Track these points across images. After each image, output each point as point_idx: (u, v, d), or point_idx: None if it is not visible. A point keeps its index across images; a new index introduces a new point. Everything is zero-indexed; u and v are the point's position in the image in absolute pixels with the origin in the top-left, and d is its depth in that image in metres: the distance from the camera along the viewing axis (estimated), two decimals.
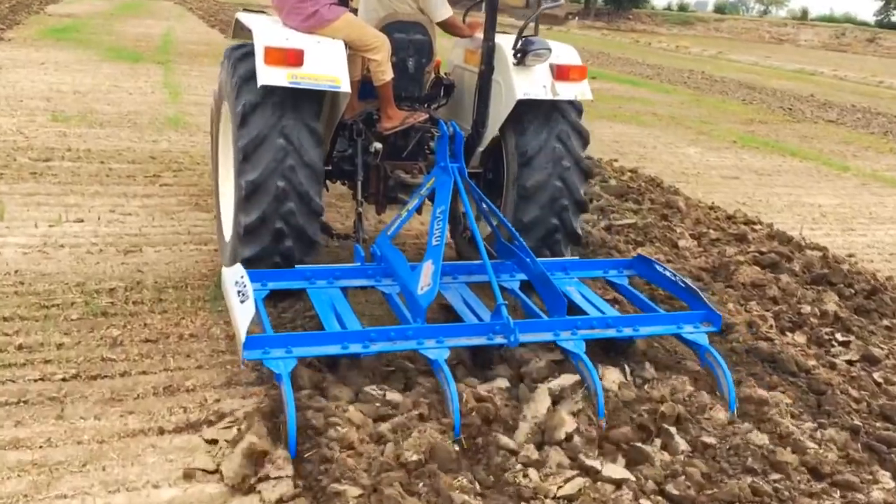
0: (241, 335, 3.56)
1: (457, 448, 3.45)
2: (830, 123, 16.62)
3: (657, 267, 4.82)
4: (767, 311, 5.49)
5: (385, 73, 5.11)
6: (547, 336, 4.06)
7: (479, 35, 5.36)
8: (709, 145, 12.80)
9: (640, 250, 6.52)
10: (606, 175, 9.26)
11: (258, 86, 4.53)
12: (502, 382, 4.00)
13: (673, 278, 4.67)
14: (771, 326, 5.13)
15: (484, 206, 4.81)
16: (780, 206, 9.19)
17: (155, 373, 4.18)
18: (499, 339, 3.95)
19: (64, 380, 4.03)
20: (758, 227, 7.76)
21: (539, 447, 3.50)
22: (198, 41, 21.01)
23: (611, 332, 4.16)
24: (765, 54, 39.07)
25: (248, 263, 4.47)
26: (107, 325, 4.64)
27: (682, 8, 72.33)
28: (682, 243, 6.75)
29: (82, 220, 6.46)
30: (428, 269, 4.18)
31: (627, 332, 4.18)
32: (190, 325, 4.75)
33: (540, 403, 3.71)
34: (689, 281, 4.68)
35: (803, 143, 13.92)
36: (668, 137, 13.22)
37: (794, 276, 6.27)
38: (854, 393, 4.39)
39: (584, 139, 5.27)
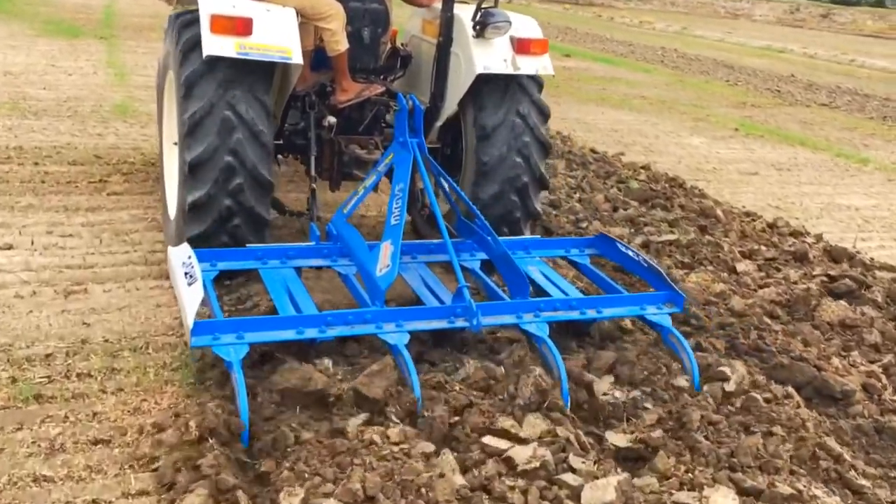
0: (189, 320, 3.38)
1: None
2: (824, 107, 15.78)
3: (619, 245, 4.75)
4: (873, 362, 4.48)
5: (339, 44, 4.93)
6: (510, 319, 3.94)
7: (438, 5, 5.16)
8: (712, 134, 11.80)
9: (694, 277, 5.46)
10: (623, 174, 8.17)
11: (203, 56, 4.27)
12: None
13: (636, 258, 4.59)
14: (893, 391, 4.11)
15: (444, 182, 4.59)
16: (815, 211, 8.21)
17: (110, 501, 2.97)
18: (461, 323, 3.82)
19: None
20: (808, 239, 6.75)
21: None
22: (143, 13, 19.28)
23: (574, 315, 4.09)
24: (726, 30, 38.37)
25: (193, 243, 4.16)
26: (41, 418, 3.41)
27: None
28: (740, 267, 5.70)
29: (11, 247, 5.16)
30: (387, 249, 4.02)
31: (591, 314, 4.12)
32: (154, 411, 3.54)
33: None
34: (651, 260, 4.61)
35: (806, 129, 13.01)
36: (667, 125, 12.20)
37: (879, 308, 5.27)
38: None
39: (545, 114, 5.13)
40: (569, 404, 3.57)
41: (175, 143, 4.74)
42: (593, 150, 9.33)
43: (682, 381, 3.88)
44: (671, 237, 6.18)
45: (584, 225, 6.33)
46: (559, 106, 12.95)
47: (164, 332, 4.28)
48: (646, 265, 4.51)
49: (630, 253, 4.66)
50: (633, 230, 6.46)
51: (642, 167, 8.74)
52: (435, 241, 4.64)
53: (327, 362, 3.65)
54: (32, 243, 5.26)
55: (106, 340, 4.12)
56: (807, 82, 19.63)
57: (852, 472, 3.33)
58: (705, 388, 3.87)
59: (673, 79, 18.28)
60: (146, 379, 3.77)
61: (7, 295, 4.51)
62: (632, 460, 3.36)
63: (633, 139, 10.86)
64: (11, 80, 10.37)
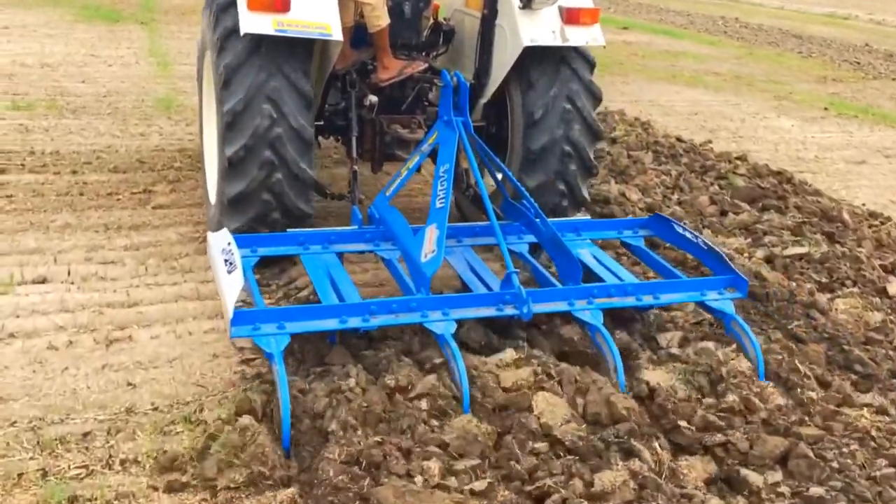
0: (229, 310, 3.28)
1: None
2: None
3: (675, 227, 4.49)
4: None
5: (380, 19, 4.77)
6: (562, 306, 3.79)
7: None
8: (800, 115, 10.80)
9: (842, 304, 4.60)
10: (721, 169, 7.26)
11: (241, 34, 4.13)
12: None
13: (694, 239, 4.35)
14: None
15: (490, 162, 4.43)
16: None
17: None
18: (510, 311, 3.69)
19: None
20: None
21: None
22: None
23: (629, 301, 3.92)
24: None
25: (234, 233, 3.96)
26: None
27: None
28: (891, 289, 4.83)
29: (45, 280, 4.48)
30: (432, 234, 3.87)
31: (647, 300, 3.94)
32: None
33: None
34: (711, 242, 4.35)
35: None
36: (749, 105, 11.21)
37: None
38: None
39: (596, 98, 4.91)
40: (624, 389, 3.50)
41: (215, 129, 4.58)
42: (679, 139, 8.42)
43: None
44: (800, 250, 5.31)
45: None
46: (628, 85, 12.04)
47: (223, 389, 3.55)
48: (705, 247, 4.26)
49: (688, 234, 4.40)
50: (751, 240, 5.60)
51: (738, 158, 7.82)
52: (481, 223, 4.48)
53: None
54: (69, 274, 4.57)
55: (155, 408, 3.40)
56: (884, 52, 18.36)
57: None
58: None
59: (742, 51, 17.18)
60: (203, 464, 3.04)
61: (39, 346, 3.81)
62: None
63: (718, 123, 9.92)
64: (49, 73, 9.73)
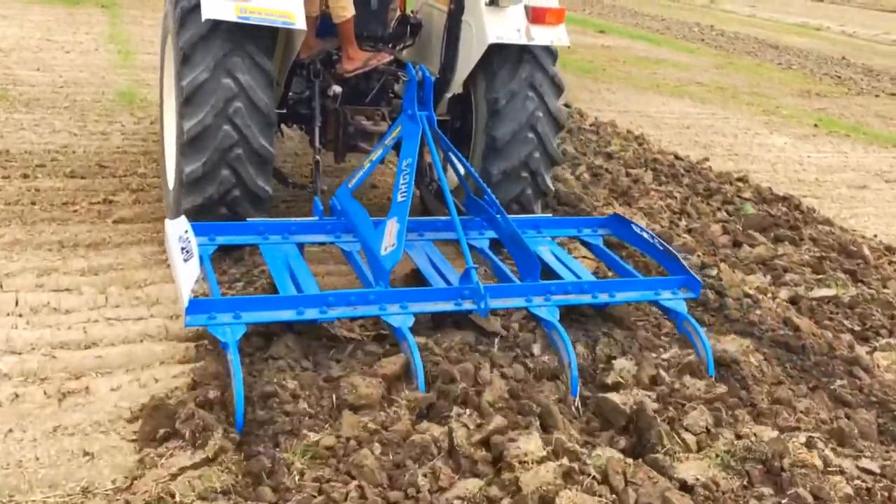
0: (184, 298, 3.24)
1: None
2: (895, 97, 14.41)
3: (633, 227, 4.55)
4: None
5: (346, 10, 4.73)
6: (519, 302, 3.83)
7: None
8: (792, 131, 10.46)
9: (882, 358, 4.19)
10: (727, 192, 6.83)
11: (202, 19, 4.09)
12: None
13: (650, 240, 4.40)
14: None
15: (453, 157, 4.41)
16: None
17: None
18: (467, 305, 3.71)
19: None
20: None
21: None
22: None
23: (586, 299, 3.96)
24: (749, 3, 36.88)
25: (192, 216, 4.01)
26: None
27: None
28: None
29: None
30: (392, 227, 3.88)
31: (603, 298, 3.97)
32: None
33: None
34: (666, 243, 4.42)
35: (890, 125, 11.68)
36: (739, 119, 10.85)
37: None
38: None
39: (559, 88, 4.90)
40: (577, 393, 3.46)
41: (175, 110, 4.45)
42: (677, 157, 8.00)
43: None
44: (827, 292, 4.90)
45: (712, 272, 5.01)
46: (614, 94, 11.63)
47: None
48: (661, 248, 4.31)
49: (645, 235, 4.43)
50: (770, 278, 5.17)
51: (739, 179, 7.42)
52: (442, 217, 4.48)
53: None
54: (17, 304, 3.97)
55: (117, 487, 2.84)
56: (863, 66, 18.22)
57: None
58: None
59: (721, 60, 16.90)
60: None
61: None
62: None
63: (710, 138, 9.53)
64: (1, 58, 9.00)
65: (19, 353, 3.57)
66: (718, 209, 6.44)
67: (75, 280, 4.28)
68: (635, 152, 7.83)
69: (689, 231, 5.87)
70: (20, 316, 3.88)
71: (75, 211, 5.16)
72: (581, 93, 11.43)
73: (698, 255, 5.26)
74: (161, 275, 4.43)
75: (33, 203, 5.19)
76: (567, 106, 9.97)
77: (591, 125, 8.82)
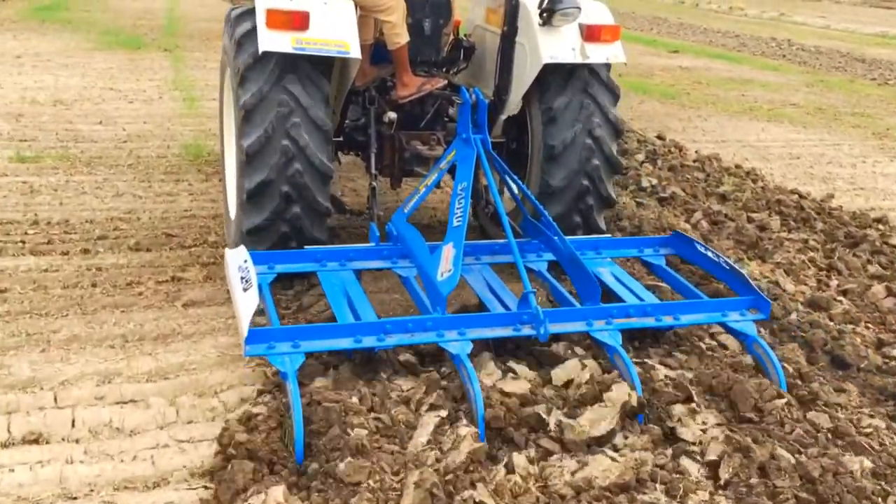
0: (244, 328, 3.25)
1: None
2: None
3: (697, 246, 4.45)
4: None
5: (400, 36, 4.73)
6: (579, 326, 3.73)
7: None
8: None
9: None
10: (873, 240, 5.92)
11: (259, 52, 4.12)
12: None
13: (716, 259, 4.27)
14: None
15: (508, 179, 4.36)
16: None
17: None
18: (526, 331, 3.62)
19: None
20: None
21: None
22: (209, 17, 17.44)
23: (649, 322, 3.83)
24: (818, 13, 35.51)
25: (252, 235, 4.23)
26: None
27: None
28: None
29: (38, 439, 3.24)
30: (448, 252, 3.83)
31: (667, 321, 3.84)
32: None
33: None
34: (732, 262, 4.26)
35: None
36: (849, 145, 9.89)
37: None
38: None
39: (615, 94, 4.83)
40: (643, 419, 3.37)
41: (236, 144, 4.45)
42: (800, 195, 7.12)
43: None
44: None
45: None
46: (706, 122, 10.77)
47: None
48: (727, 267, 4.19)
49: (709, 254, 4.33)
50: None
51: (876, 220, 6.52)
52: (499, 241, 4.48)
53: None
54: (73, 426, 3.33)
55: None
56: None
57: None
58: None
59: (810, 77, 15.87)
60: None
61: None
62: None
63: (827, 170, 8.60)
64: (62, 112, 8.59)
65: (74, 499, 2.91)
66: (869, 261, 5.55)
67: (140, 388, 3.62)
68: (753, 192, 6.97)
69: (845, 293, 5.01)
70: (77, 442, 3.23)
71: (140, 294, 4.54)
72: (671, 121, 10.61)
73: (867, 326, 4.41)
74: (238, 376, 3.76)
75: (94, 285, 4.60)
76: (660, 138, 9.20)
77: (694, 161, 7.99)
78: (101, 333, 4.08)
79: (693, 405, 3.41)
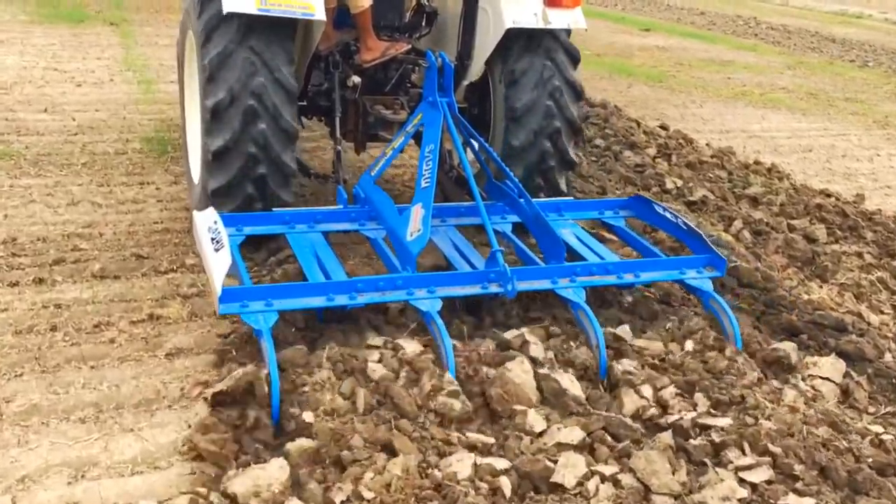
0: (217, 287, 3.27)
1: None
2: None
3: (656, 207, 4.53)
4: None
5: (363, 0, 4.74)
6: (545, 284, 3.82)
7: None
8: None
9: None
10: None
11: (223, 13, 4.06)
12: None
13: (674, 220, 4.39)
14: None
15: (474, 142, 4.51)
16: None
17: None
18: (494, 288, 3.71)
19: None
20: None
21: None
22: None
23: (611, 279, 3.96)
24: None
25: (218, 195, 4.22)
26: None
27: None
28: None
29: None
30: (417, 213, 3.91)
31: (628, 278, 3.98)
32: None
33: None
34: (690, 222, 4.43)
35: None
36: (857, 135, 9.36)
37: None
38: None
39: (575, 58, 4.87)
40: (605, 374, 3.50)
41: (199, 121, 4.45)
42: (835, 197, 6.51)
43: None
44: None
45: None
46: (701, 108, 10.16)
47: None
48: (685, 227, 4.33)
49: (668, 214, 4.45)
50: None
51: None
52: (466, 203, 4.54)
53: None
54: None
55: None
56: None
57: None
58: None
59: (788, 59, 15.41)
60: None
61: None
62: None
63: (844, 165, 8.03)
64: (2, 97, 7.54)
65: None
66: None
67: (125, 487, 2.80)
68: (787, 195, 6.33)
69: None
70: None
71: (112, 340, 3.69)
72: (666, 108, 9.95)
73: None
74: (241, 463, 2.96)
75: (54, 329, 3.73)
76: (664, 128, 8.52)
77: (711, 157, 7.32)
78: (68, 401, 3.24)
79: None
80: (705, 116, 9.71)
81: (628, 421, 3.14)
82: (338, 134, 4.85)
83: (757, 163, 7.34)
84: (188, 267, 4.47)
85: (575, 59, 4.86)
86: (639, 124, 8.38)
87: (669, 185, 6.29)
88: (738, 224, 5.61)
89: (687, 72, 12.92)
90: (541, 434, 3.03)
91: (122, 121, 7.16)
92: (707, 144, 7.91)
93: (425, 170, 4.07)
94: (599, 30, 17.36)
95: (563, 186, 4.94)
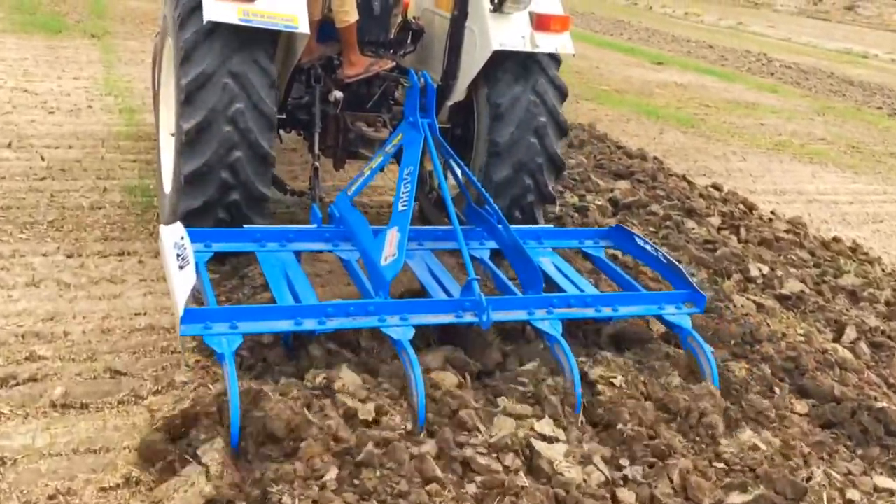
0: (179, 308, 3.16)
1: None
2: None
3: (637, 239, 4.51)
4: None
5: (349, 14, 4.71)
6: (521, 315, 3.76)
7: None
8: None
9: None
10: None
11: (204, 21, 3.98)
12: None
13: (654, 253, 4.35)
14: None
15: (454, 165, 4.41)
16: None
17: None
18: (469, 318, 3.64)
19: None
20: None
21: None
22: None
23: (589, 312, 3.91)
24: (767, 24, 34.91)
25: (189, 218, 4.07)
26: None
27: None
28: None
29: None
30: (393, 237, 3.82)
31: (606, 311, 3.93)
32: None
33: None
34: (671, 256, 4.38)
35: None
36: None
37: None
38: None
39: (563, 93, 4.85)
40: (580, 409, 3.45)
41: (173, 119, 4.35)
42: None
43: None
44: None
45: None
46: (745, 162, 9.22)
47: None
48: (665, 261, 4.26)
49: (648, 247, 4.39)
50: None
51: None
52: (443, 227, 4.48)
53: None
54: None
55: None
56: None
57: None
58: None
59: (815, 103, 14.59)
60: None
61: None
62: None
63: None
64: None
65: None
66: None
67: None
68: (893, 290, 5.36)
69: None
70: None
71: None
72: (708, 161, 8.99)
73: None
74: None
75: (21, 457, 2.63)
76: (717, 188, 7.55)
77: (786, 232, 6.35)
78: None
79: None
80: (753, 172, 8.75)
81: None
82: (316, 149, 4.73)
83: (836, 240, 6.37)
84: (179, 387, 3.38)
85: (563, 93, 4.81)
86: (691, 184, 7.40)
87: (754, 273, 5.29)
88: (850, 333, 4.62)
89: (715, 115, 12.01)
90: None
91: (99, 161, 6.05)
92: (772, 212, 6.94)
93: (403, 192, 3.98)
94: (612, 63, 16.49)
95: (541, 220, 4.90)
